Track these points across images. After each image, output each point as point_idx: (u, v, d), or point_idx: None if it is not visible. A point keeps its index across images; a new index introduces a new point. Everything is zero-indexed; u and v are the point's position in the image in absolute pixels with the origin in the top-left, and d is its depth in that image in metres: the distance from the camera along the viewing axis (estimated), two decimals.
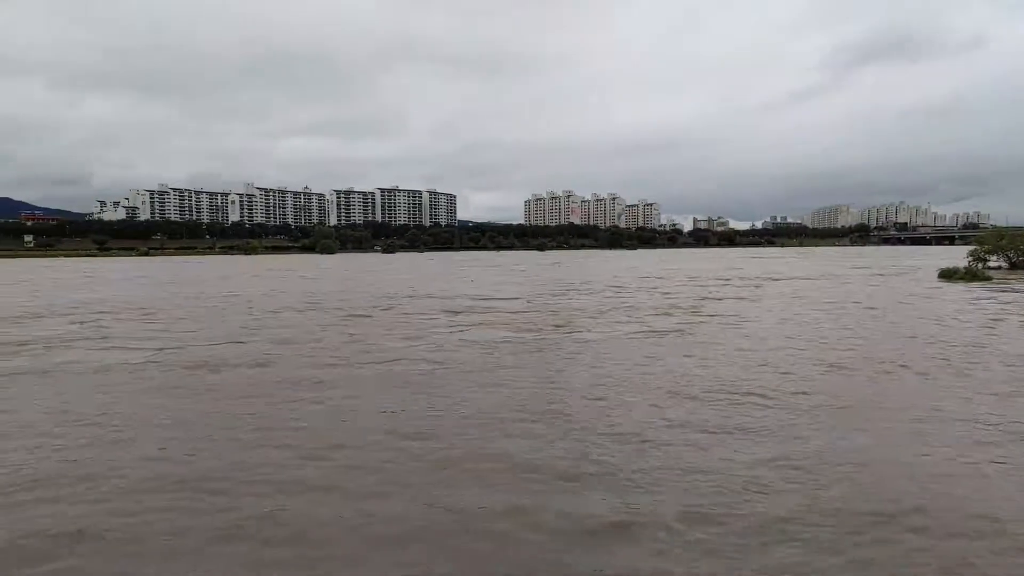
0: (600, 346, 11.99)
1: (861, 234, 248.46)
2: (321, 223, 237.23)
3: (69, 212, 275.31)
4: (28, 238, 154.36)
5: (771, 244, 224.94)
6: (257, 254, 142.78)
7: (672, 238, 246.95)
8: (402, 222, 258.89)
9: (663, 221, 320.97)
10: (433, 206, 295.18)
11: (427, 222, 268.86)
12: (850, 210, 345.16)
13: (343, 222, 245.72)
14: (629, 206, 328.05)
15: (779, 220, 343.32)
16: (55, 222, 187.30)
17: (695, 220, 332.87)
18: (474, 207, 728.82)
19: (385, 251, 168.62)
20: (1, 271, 56.63)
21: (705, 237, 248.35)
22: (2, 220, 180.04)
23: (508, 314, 17.79)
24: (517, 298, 22.99)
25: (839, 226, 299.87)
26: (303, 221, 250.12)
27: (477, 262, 74.36)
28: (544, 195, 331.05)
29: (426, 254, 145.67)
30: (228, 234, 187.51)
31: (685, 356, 10.94)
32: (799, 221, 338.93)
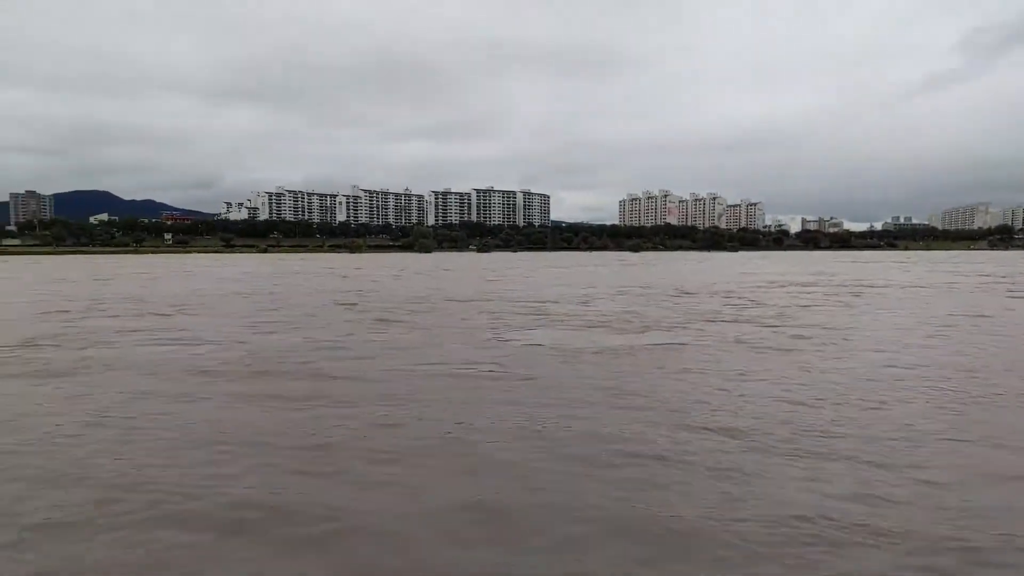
0: (688, 355, 11.50)
1: (1002, 236, 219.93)
2: (420, 223, 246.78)
3: (201, 212, 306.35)
4: (168, 236, 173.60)
5: (892, 247, 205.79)
6: (361, 252, 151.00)
7: (778, 240, 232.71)
8: (496, 222, 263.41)
9: (767, 222, 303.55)
10: (527, 206, 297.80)
11: (521, 222, 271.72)
12: (989, 209, 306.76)
13: (440, 222, 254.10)
14: (731, 206, 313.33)
15: (902, 221, 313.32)
16: (189, 222, 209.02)
17: (804, 221, 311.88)
18: (568, 207, 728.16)
19: (480, 250, 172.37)
20: (159, 264, 64.16)
21: (815, 239, 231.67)
22: (148, 220, 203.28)
23: (595, 317, 17.53)
24: (599, 299, 22.64)
25: (975, 227, 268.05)
26: (403, 221, 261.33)
27: (565, 263, 74.09)
28: (640, 195, 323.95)
29: (519, 254, 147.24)
30: (336, 233, 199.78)
31: (778, 384, 10.21)
32: (926, 222, 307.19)
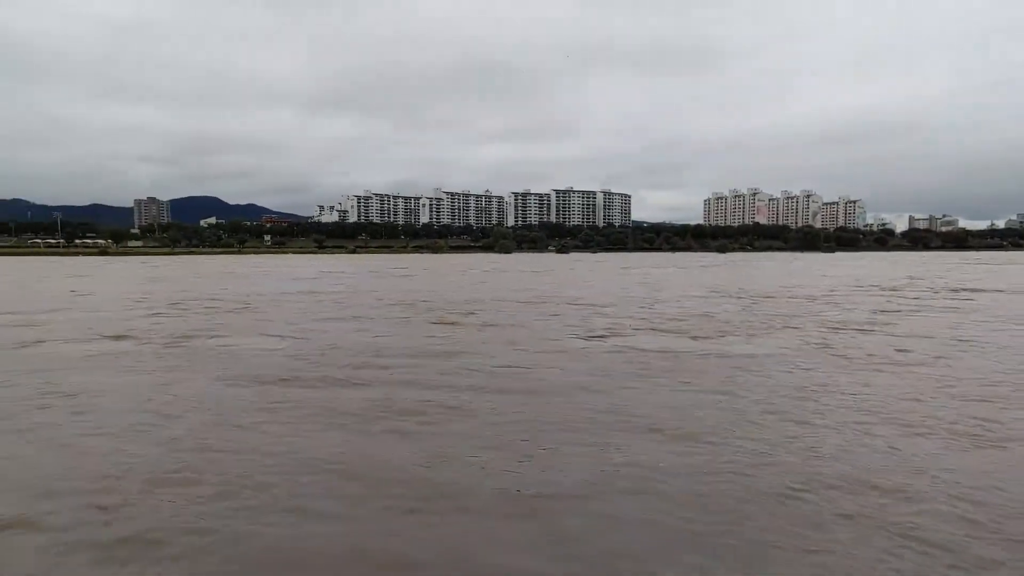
0: (767, 363, 10.73)
1: None
2: (500, 224, 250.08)
3: (296, 215, 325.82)
4: (267, 237, 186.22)
5: (1018, 247, 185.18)
6: (443, 253, 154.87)
7: (880, 240, 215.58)
8: (576, 223, 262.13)
9: (869, 220, 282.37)
10: (607, 207, 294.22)
11: (601, 222, 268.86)
12: None
13: (519, 223, 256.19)
14: (827, 204, 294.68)
15: None
16: (286, 224, 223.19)
17: (911, 219, 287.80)
18: (650, 207, 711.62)
19: (559, 251, 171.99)
20: (270, 263, 69.02)
21: (924, 239, 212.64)
22: (250, 223, 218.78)
23: (674, 321, 16.85)
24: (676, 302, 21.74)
25: None
26: (483, 222, 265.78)
27: (645, 263, 72.24)
28: (726, 193, 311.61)
29: (598, 255, 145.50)
30: (419, 234, 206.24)
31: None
32: None
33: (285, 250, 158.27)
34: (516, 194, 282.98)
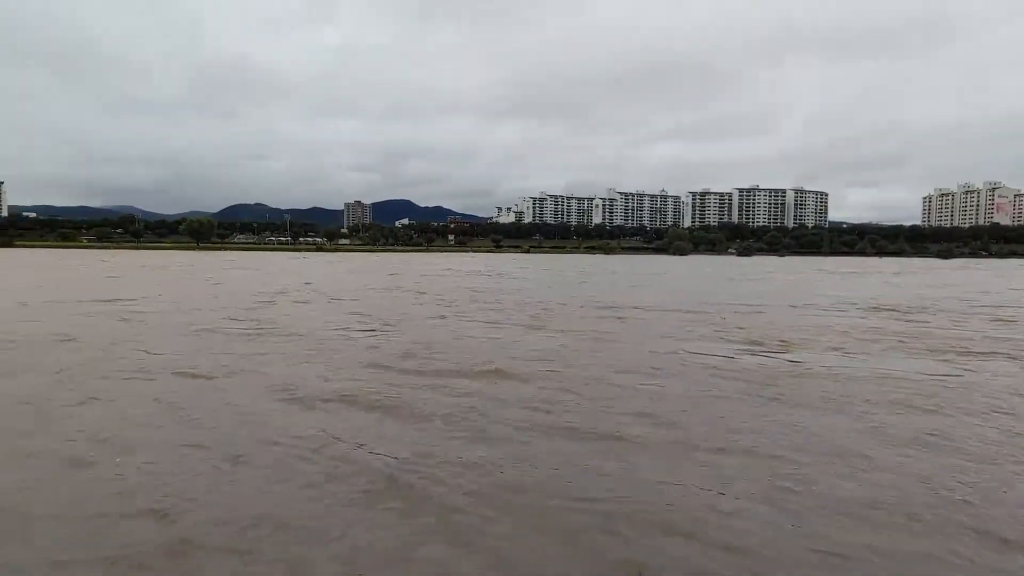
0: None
1: None
2: (675, 225, 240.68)
3: (477, 216, 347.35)
4: (451, 237, 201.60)
5: None
6: (614, 254, 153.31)
7: None
8: (761, 223, 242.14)
9: None
10: (799, 205, 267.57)
11: (791, 223, 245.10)
12: None
13: (696, 224, 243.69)
14: None
15: None
16: (468, 225, 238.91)
17: None
18: (851, 206, 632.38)
19: (740, 254, 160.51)
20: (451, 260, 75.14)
21: None
22: (437, 224, 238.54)
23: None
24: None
25: None
26: (658, 223, 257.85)
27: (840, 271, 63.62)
28: (954, 189, 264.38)
29: (786, 258, 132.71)
30: (591, 235, 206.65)
31: None
32: None
33: (465, 249, 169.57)
34: (694, 193, 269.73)
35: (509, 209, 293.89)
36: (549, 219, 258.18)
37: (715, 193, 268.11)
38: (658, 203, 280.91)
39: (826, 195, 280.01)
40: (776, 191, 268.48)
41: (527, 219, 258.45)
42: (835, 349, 11.94)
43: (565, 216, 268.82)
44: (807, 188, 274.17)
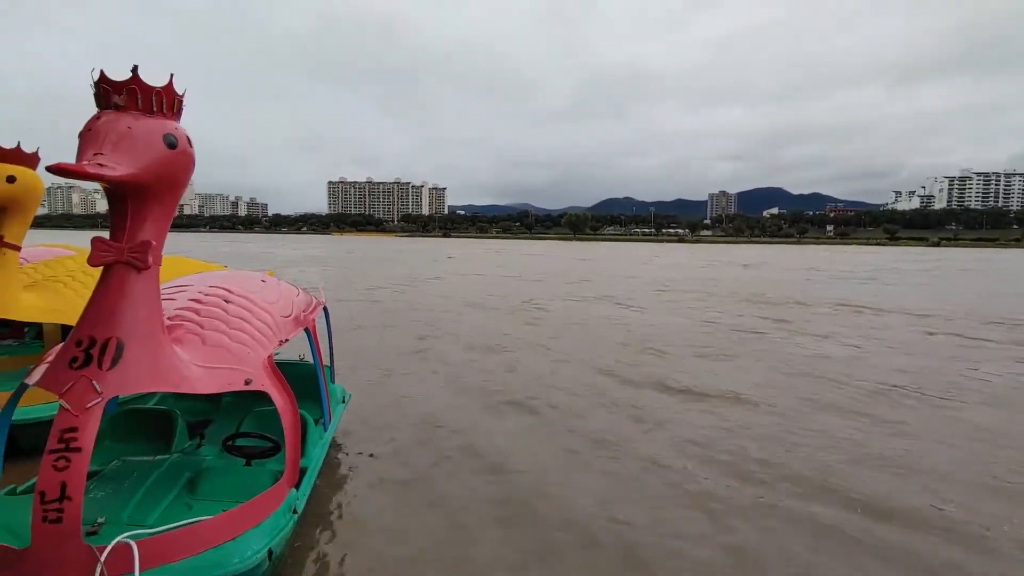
0: None
1: None
2: None
3: (865, 203, 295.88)
4: (829, 228, 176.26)
5: None
6: None
7: None
8: None
9: None
10: None
11: None
12: None
13: None
14: None
15: None
16: (852, 213, 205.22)
17: None
18: None
19: None
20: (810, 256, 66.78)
21: None
22: (813, 212, 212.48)
23: None
24: None
25: None
26: None
27: None
28: None
29: None
30: None
31: None
32: None
33: (848, 241, 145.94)
34: None
35: (912, 193, 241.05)
36: (975, 204, 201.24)
37: None
38: None
39: None
40: None
41: (938, 205, 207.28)
42: None
43: (1002, 199, 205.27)
44: None
